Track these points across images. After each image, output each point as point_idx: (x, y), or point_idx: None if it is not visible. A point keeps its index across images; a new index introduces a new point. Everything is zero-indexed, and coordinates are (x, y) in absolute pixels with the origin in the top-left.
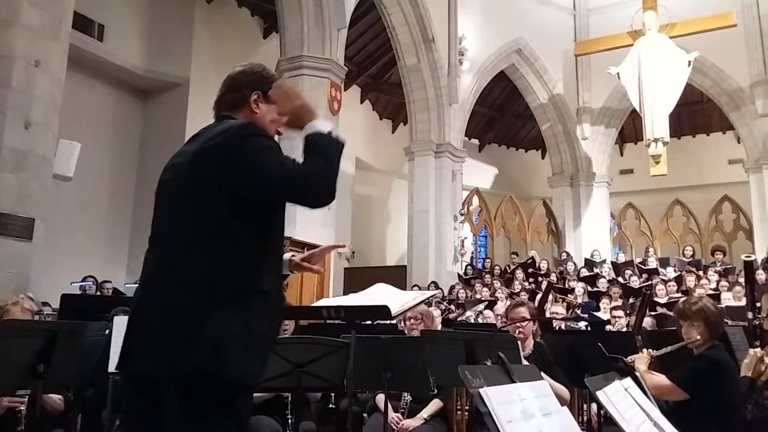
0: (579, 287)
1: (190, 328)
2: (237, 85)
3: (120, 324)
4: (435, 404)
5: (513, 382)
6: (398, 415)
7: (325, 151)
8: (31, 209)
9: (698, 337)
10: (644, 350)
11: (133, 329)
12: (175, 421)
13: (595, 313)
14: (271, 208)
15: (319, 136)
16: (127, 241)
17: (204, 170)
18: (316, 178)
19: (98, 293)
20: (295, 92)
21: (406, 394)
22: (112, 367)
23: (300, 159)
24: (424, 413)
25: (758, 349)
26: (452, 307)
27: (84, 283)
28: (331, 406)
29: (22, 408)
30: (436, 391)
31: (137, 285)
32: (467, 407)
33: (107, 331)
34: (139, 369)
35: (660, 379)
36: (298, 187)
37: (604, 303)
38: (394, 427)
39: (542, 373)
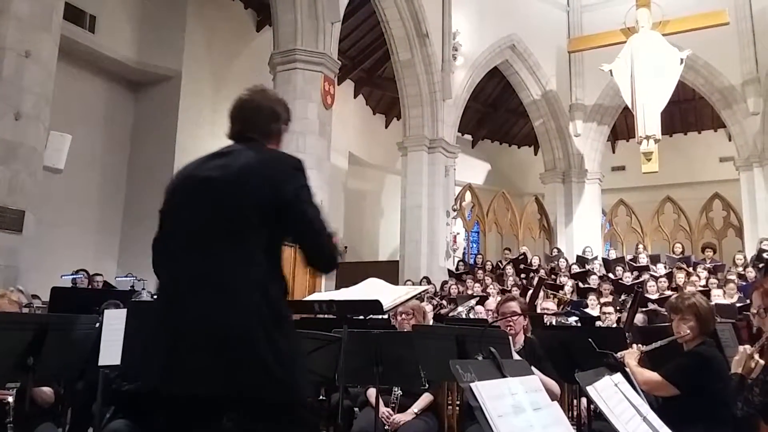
0: (568, 285)
1: (254, 351)
2: (277, 117)
3: (111, 318)
4: (425, 398)
5: (504, 376)
6: (389, 409)
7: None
8: (22, 201)
9: (688, 331)
10: (634, 345)
11: (183, 346)
12: None
13: (584, 310)
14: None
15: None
16: (119, 234)
17: (258, 194)
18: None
19: (89, 286)
20: None
21: (396, 389)
22: (102, 361)
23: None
24: (415, 408)
25: (748, 346)
26: (444, 302)
27: (76, 276)
28: (321, 397)
29: (10, 400)
30: (427, 385)
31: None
32: (458, 402)
33: (98, 325)
34: (200, 390)
35: (650, 374)
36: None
37: (592, 299)
38: (384, 422)
39: (533, 368)
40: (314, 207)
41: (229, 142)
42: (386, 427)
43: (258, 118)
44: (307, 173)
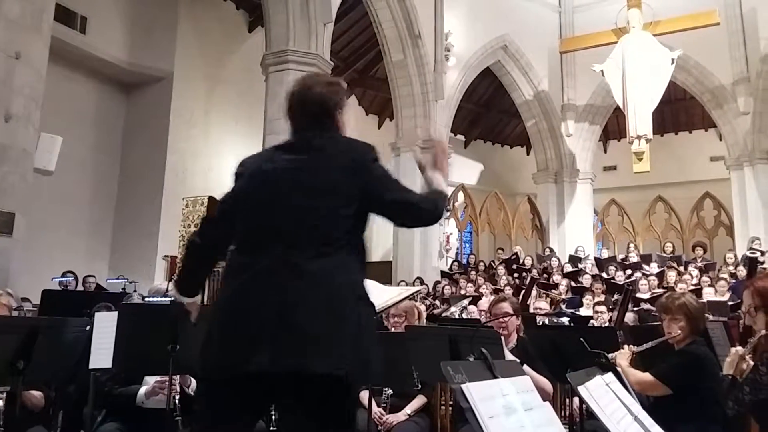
0: (563, 284)
1: (351, 331)
2: (329, 108)
3: (102, 320)
4: (419, 400)
5: (495, 377)
6: (380, 409)
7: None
8: (12, 203)
9: (679, 332)
10: (625, 346)
11: (271, 329)
12: (330, 420)
13: (577, 309)
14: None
15: (438, 192)
16: (110, 236)
17: (342, 185)
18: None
19: (81, 288)
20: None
21: (387, 389)
22: (93, 364)
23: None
24: (408, 409)
25: (740, 348)
26: (437, 302)
27: (64, 279)
28: None
29: (0, 404)
30: (420, 386)
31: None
32: (451, 402)
33: (88, 327)
34: (300, 368)
35: (642, 375)
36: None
37: (587, 299)
38: (377, 422)
39: (525, 366)
40: (388, 179)
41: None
42: (379, 428)
43: (307, 110)
44: (377, 154)
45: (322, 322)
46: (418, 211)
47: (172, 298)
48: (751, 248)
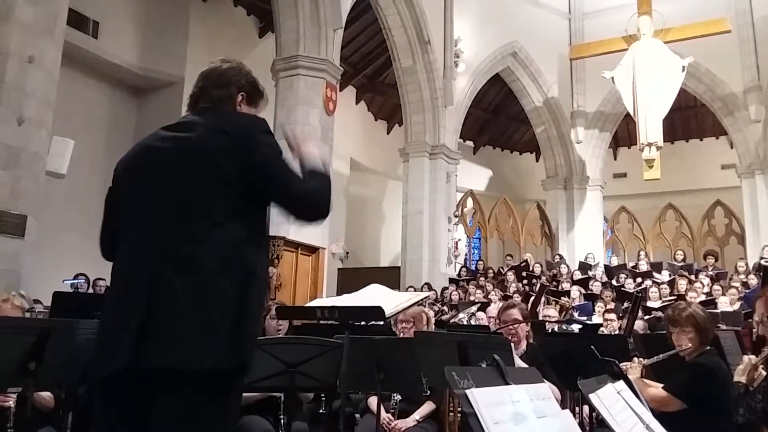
0: (575, 291)
1: (210, 320)
2: (226, 82)
3: None
4: (427, 406)
5: (507, 384)
6: (389, 415)
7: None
8: (24, 206)
9: (690, 344)
10: (635, 359)
11: (148, 322)
12: (182, 414)
13: (590, 318)
14: (266, 202)
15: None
16: None
17: (221, 162)
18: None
19: (92, 291)
20: (299, 142)
21: (395, 395)
22: None
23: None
24: (417, 415)
25: (753, 356)
26: (445, 308)
27: (76, 281)
28: (322, 404)
29: (11, 405)
30: (428, 392)
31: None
32: (459, 409)
33: None
34: (163, 363)
35: (656, 391)
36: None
37: (599, 306)
38: (386, 428)
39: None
40: (278, 164)
41: None
42: None
43: (204, 87)
44: (263, 128)
45: (174, 315)
46: (297, 202)
47: None
48: (763, 257)
